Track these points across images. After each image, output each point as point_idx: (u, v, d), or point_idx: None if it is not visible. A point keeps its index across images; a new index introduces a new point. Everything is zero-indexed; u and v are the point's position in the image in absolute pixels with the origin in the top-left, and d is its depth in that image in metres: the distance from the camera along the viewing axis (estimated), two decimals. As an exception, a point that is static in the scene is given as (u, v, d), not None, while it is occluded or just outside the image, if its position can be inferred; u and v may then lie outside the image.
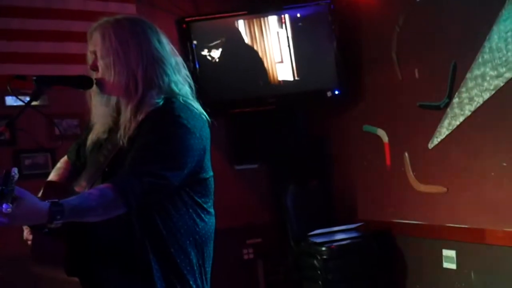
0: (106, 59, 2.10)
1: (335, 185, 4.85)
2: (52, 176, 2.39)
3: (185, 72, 2.24)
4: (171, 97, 2.12)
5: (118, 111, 2.17)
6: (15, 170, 1.68)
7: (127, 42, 2.10)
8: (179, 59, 2.24)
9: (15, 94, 2.11)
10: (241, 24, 4.51)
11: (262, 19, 4.50)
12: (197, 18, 4.54)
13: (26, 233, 2.20)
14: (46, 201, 1.77)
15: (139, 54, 2.11)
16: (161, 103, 2.10)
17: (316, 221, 4.53)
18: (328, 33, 4.47)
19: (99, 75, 2.13)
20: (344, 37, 4.48)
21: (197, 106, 2.17)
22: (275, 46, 4.51)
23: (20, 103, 2.10)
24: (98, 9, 4.20)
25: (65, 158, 2.45)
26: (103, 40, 2.10)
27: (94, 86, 2.16)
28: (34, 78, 2.06)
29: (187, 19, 4.50)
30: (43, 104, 3.65)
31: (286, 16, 4.48)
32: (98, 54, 2.12)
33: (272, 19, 4.49)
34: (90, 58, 2.17)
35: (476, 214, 3.74)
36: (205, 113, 2.18)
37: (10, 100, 3.89)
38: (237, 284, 4.70)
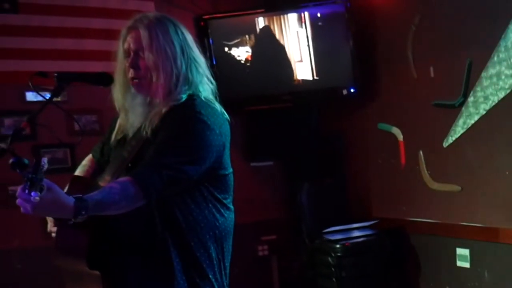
0: (155, 58, 2.12)
1: (350, 183, 4.86)
2: (77, 173, 2.44)
3: (208, 71, 2.28)
4: (193, 94, 2.16)
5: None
6: (44, 160, 1.73)
7: (172, 42, 2.15)
8: (204, 59, 2.29)
9: (37, 90, 2.14)
10: (260, 22, 4.54)
11: (281, 17, 4.52)
12: (214, 15, 4.57)
13: (50, 226, 2.24)
14: (71, 197, 1.82)
15: (182, 54, 2.16)
16: (184, 98, 2.14)
17: (331, 219, 4.54)
18: (344, 31, 4.48)
19: (142, 73, 2.15)
20: (360, 35, 4.49)
21: (217, 104, 2.22)
22: (294, 45, 4.53)
23: (40, 98, 2.14)
24: (117, 6, 4.23)
25: (89, 156, 2.50)
26: (150, 39, 2.12)
27: (129, 84, 2.18)
28: (55, 74, 2.10)
29: (205, 17, 4.53)
30: (62, 100, 3.70)
31: (306, 14, 4.49)
32: (144, 53, 2.13)
33: (292, 17, 4.51)
34: (123, 55, 2.19)
35: (490, 212, 3.74)
36: (225, 112, 2.22)
37: (31, 96, 3.93)
38: (252, 280, 4.73)
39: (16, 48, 3.98)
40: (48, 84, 2.18)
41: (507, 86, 3.57)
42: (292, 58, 4.53)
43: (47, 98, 2.08)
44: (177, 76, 2.14)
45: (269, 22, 4.54)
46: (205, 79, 2.24)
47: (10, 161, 1.78)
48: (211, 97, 2.23)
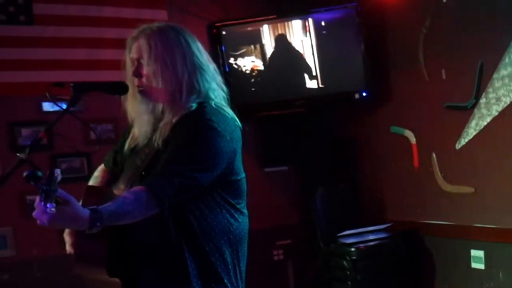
0: (153, 66, 2.15)
1: (364, 186, 4.87)
2: (91, 184, 2.46)
3: (219, 78, 2.30)
4: (204, 102, 2.18)
5: (160, 119, 2.22)
6: (58, 171, 1.75)
7: (173, 50, 2.17)
8: (215, 66, 2.30)
9: (54, 100, 2.18)
10: (269, 29, 4.56)
11: (290, 23, 4.55)
12: (227, 23, 4.60)
13: (68, 247, 2.28)
14: (86, 209, 1.85)
15: (183, 62, 2.17)
16: (194, 107, 2.16)
17: (345, 222, 4.55)
18: (355, 35, 4.50)
19: (144, 82, 2.19)
20: (371, 39, 4.51)
21: (229, 111, 2.23)
22: (307, 49, 4.56)
23: (57, 108, 2.17)
24: (130, 16, 4.25)
25: (102, 166, 2.52)
26: (150, 48, 2.16)
27: (138, 94, 2.21)
28: (72, 84, 2.13)
29: (217, 24, 4.56)
30: (78, 110, 3.74)
31: (316, 19, 4.50)
32: (144, 62, 2.17)
33: (300, 23, 4.54)
34: (130, 64, 2.23)
35: (504, 214, 3.74)
36: (236, 118, 2.24)
37: (47, 106, 3.98)
38: (267, 284, 4.73)
39: (32, 59, 4.02)
40: (64, 94, 2.20)
41: (518, 88, 3.58)
42: (305, 64, 4.55)
43: (64, 108, 2.10)
44: (179, 84, 2.16)
45: (279, 28, 4.56)
46: (215, 85, 2.25)
47: (24, 174, 1.80)
48: (222, 103, 2.25)
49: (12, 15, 3.98)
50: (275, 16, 4.60)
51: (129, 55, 2.23)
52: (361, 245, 4.26)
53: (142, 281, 2.18)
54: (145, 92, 2.20)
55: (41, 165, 1.89)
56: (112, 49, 4.11)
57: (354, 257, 4.19)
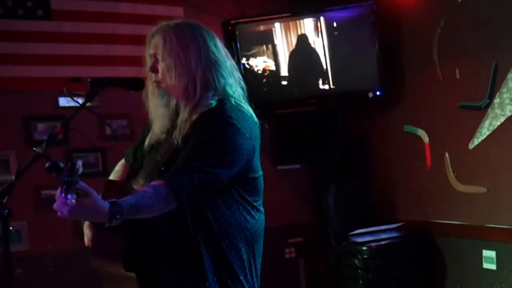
0: (168, 61, 2.18)
1: (376, 185, 4.88)
2: (111, 178, 2.48)
3: (237, 75, 2.31)
4: (223, 99, 2.20)
5: (176, 114, 2.25)
6: (79, 163, 1.77)
7: (188, 46, 2.18)
8: (233, 63, 2.31)
9: (71, 95, 2.20)
10: (279, 28, 4.57)
11: (303, 21, 4.55)
12: (242, 20, 4.61)
13: (87, 240, 2.31)
14: (106, 201, 1.88)
15: (198, 57, 2.18)
16: (214, 104, 2.18)
17: (357, 221, 4.55)
18: (370, 33, 4.51)
19: (159, 76, 2.21)
20: (385, 38, 4.51)
21: (247, 108, 2.25)
22: (319, 48, 4.57)
23: (73, 103, 2.18)
24: (146, 12, 4.28)
25: (122, 161, 2.55)
26: (165, 43, 2.18)
27: (153, 87, 2.24)
28: (89, 80, 2.15)
29: (232, 21, 4.57)
30: (94, 105, 3.76)
31: (331, 18, 4.51)
32: (159, 57, 2.20)
33: (313, 22, 4.55)
34: (149, 60, 2.25)
35: (517, 214, 3.75)
36: (255, 115, 2.25)
37: (63, 101, 4.00)
38: (279, 282, 4.74)
39: (49, 54, 4.05)
40: (80, 89, 2.23)
41: (533, 88, 3.58)
42: (320, 63, 4.55)
43: (80, 103, 2.13)
44: (192, 79, 2.17)
45: (292, 27, 4.57)
46: (232, 81, 2.26)
47: (46, 165, 1.83)
48: (242, 100, 2.26)
49: (30, 9, 4.01)
50: (289, 14, 4.60)
51: (148, 52, 2.26)
52: (373, 244, 4.26)
53: (158, 276, 2.20)
54: (160, 87, 2.23)
55: (57, 159, 1.91)
56: (128, 45, 4.15)
57: (365, 256, 4.20)
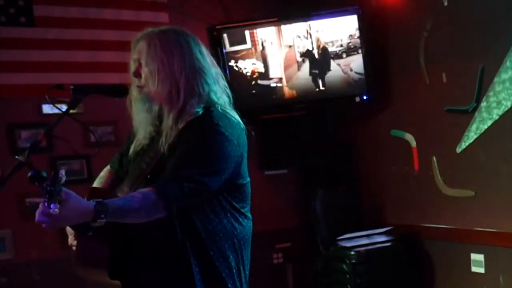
0: (151, 66, 2.17)
1: (364, 190, 4.87)
2: (95, 185, 2.47)
3: (223, 82, 2.31)
4: (209, 106, 2.19)
5: (160, 120, 2.24)
6: (62, 172, 1.76)
7: (172, 52, 2.17)
8: (218, 70, 2.31)
9: (53, 103, 2.18)
10: (268, 32, 4.57)
11: (288, 26, 4.55)
12: (227, 25, 4.60)
13: (71, 239, 2.28)
14: (91, 201, 1.86)
15: (182, 63, 2.18)
16: (200, 112, 2.17)
17: (345, 226, 4.54)
18: (356, 38, 4.50)
19: (142, 81, 2.20)
20: (372, 42, 4.51)
21: (234, 115, 2.25)
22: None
23: (57, 111, 2.19)
24: (131, 18, 4.27)
25: (107, 167, 2.53)
26: (149, 48, 2.18)
27: (136, 92, 2.22)
28: (72, 87, 2.14)
29: (218, 27, 4.56)
30: (78, 112, 3.74)
31: (317, 23, 4.51)
32: (143, 62, 2.19)
33: (302, 26, 4.54)
34: (133, 65, 2.24)
35: (505, 218, 3.73)
36: (242, 122, 2.25)
37: (47, 108, 3.97)
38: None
39: (33, 61, 4.03)
40: (64, 96, 2.21)
41: (519, 91, 3.58)
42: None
43: (64, 110, 2.11)
44: (175, 85, 2.16)
45: (279, 31, 4.56)
46: (217, 88, 2.25)
47: (29, 174, 1.81)
48: (228, 107, 2.26)
49: (12, 16, 3.98)
50: (275, 19, 4.59)
51: (132, 57, 2.25)
52: (361, 248, 4.25)
53: (144, 284, 2.18)
54: (143, 91, 2.22)
55: (41, 167, 1.89)
56: (112, 51, 4.13)
57: (353, 261, 4.19)
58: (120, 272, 2.14)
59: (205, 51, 2.28)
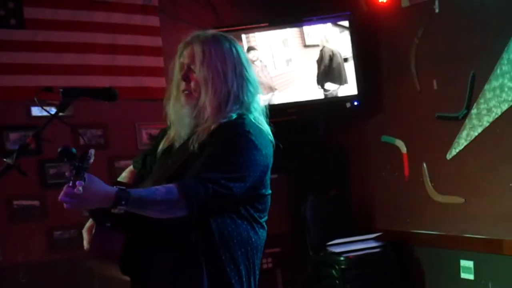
0: (205, 73, 2.15)
1: (354, 195, 4.88)
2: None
3: (261, 91, 2.31)
4: (243, 113, 2.19)
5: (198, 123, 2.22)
6: (92, 151, 1.76)
7: (225, 60, 2.18)
8: (258, 79, 2.31)
9: (42, 105, 2.16)
10: (259, 37, 4.56)
11: (279, 31, 4.55)
12: (220, 30, 4.57)
13: (86, 244, 2.26)
14: (114, 187, 1.85)
15: (234, 72, 2.18)
16: (234, 117, 2.17)
17: (335, 231, 4.54)
18: (347, 44, 4.51)
19: (192, 86, 2.19)
20: (363, 48, 4.52)
21: (266, 126, 2.26)
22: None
23: (46, 113, 2.15)
24: (122, 21, 4.22)
25: (130, 167, 2.53)
26: (203, 54, 2.16)
27: (182, 96, 2.21)
28: (61, 90, 2.12)
29: (209, 31, 4.55)
30: (68, 115, 3.72)
31: (309, 28, 4.51)
32: (196, 68, 2.17)
33: (294, 31, 4.54)
34: (178, 68, 2.23)
35: (494, 224, 3.75)
36: (271, 134, 2.26)
37: (36, 111, 3.93)
38: (256, 293, 4.73)
39: (22, 63, 4.00)
40: (53, 99, 2.19)
41: (510, 99, 3.60)
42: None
43: (53, 113, 2.09)
44: (227, 94, 2.17)
45: (271, 36, 4.56)
46: (257, 99, 2.27)
47: (59, 149, 1.79)
48: (261, 117, 2.27)
49: (2, 18, 3.96)
50: (267, 24, 4.59)
51: (179, 60, 2.24)
52: (351, 254, 4.25)
53: (153, 282, 2.16)
54: (190, 96, 2.20)
55: (29, 170, 1.86)
56: (103, 54, 4.09)
57: (343, 266, 4.19)
58: (131, 268, 2.12)
59: (249, 59, 2.30)
